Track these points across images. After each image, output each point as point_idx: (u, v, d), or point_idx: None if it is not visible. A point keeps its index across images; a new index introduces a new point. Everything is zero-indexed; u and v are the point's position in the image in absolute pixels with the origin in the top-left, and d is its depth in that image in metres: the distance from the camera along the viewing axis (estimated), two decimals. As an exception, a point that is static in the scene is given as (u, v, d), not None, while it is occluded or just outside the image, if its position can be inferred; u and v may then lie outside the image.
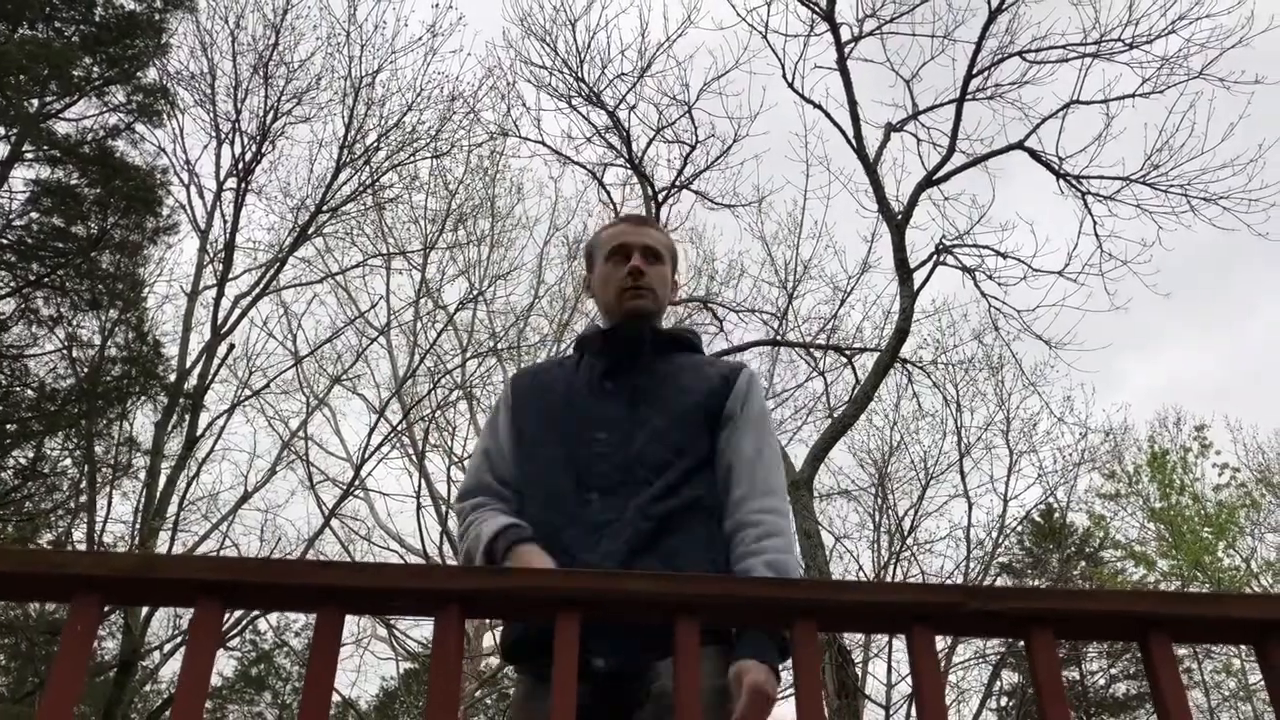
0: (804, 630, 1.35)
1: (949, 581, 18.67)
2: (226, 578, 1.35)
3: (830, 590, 1.39)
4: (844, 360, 14.05)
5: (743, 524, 2.08)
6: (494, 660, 17.26)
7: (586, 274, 2.50)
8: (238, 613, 13.32)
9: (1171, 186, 11.39)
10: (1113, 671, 28.33)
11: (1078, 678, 28.08)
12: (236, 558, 1.39)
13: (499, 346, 18.24)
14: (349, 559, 17.58)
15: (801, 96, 12.29)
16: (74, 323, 12.97)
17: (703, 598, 1.37)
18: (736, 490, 2.13)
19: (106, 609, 1.36)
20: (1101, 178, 11.70)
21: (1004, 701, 25.99)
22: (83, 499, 13.17)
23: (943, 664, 18.21)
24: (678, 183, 13.23)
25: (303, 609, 1.41)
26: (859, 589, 1.39)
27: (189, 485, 14.21)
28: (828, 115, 12.27)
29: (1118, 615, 1.37)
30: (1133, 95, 11.55)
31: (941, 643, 15.98)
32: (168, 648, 15.50)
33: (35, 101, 12.92)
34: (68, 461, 13.31)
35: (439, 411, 17.81)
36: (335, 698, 17.48)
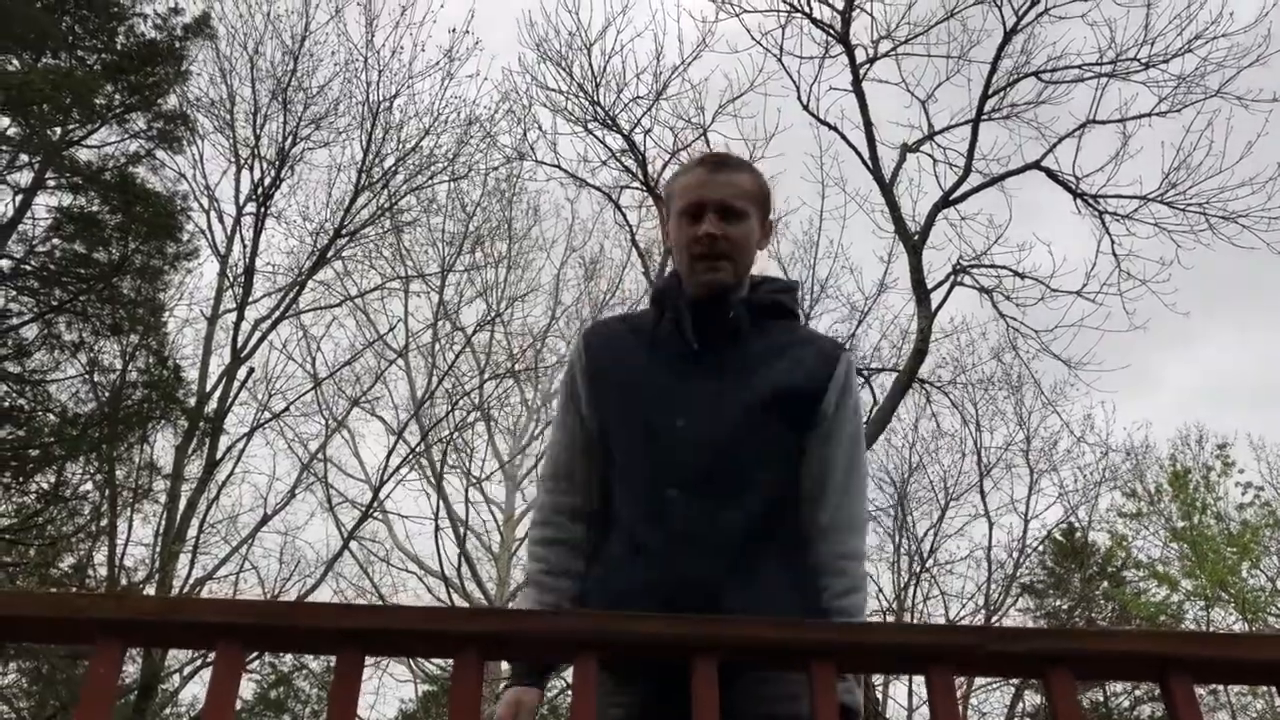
0: (822, 672, 1.35)
1: (970, 605, 18.57)
2: (248, 621, 1.36)
3: (848, 632, 1.39)
4: (862, 380, 14.01)
5: (826, 569, 1.97)
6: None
7: (665, 220, 2.20)
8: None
9: (1190, 205, 11.33)
10: (1136, 694, 28.02)
11: (1101, 699, 27.79)
12: (257, 600, 1.40)
13: (517, 368, 18.29)
14: (368, 580, 17.62)
15: (817, 119, 12.32)
16: (95, 348, 13.10)
17: (720, 638, 1.37)
18: (823, 516, 2.00)
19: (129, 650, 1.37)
20: (1119, 197, 11.67)
21: (1027, 724, 25.73)
22: (103, 523, 13.27)
23: (966, 687, 18.07)
24: (694, 205, 13.23)
25: (323, 651, 1.42)
26: (877, 630, 1.39)
27: (209, 508, 14.30)
28: (843, 137, 12.29)
29: (1137, 656, 1.36)
30: (1150, 114, 11.52)
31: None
32: (188, 670, 15.55)
33: (58, 130, 13.09)
34: (89, 486, 13.42)
35: (457, 433, 17.86)
36: (354, 721, 17.47)
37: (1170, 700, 1.35)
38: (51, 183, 12.87)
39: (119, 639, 1.34)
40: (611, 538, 2.03)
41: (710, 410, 1.95)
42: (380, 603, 15.54)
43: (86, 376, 13.09)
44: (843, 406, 2.02)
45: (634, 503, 1.98)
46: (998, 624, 18.52)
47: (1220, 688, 22.78)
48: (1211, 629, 18.78)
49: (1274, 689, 1.37)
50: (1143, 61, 11.37)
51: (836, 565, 1.96)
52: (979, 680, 20.05)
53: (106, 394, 13.17)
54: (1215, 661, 1.37)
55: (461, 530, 16.95)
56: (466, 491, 17.89)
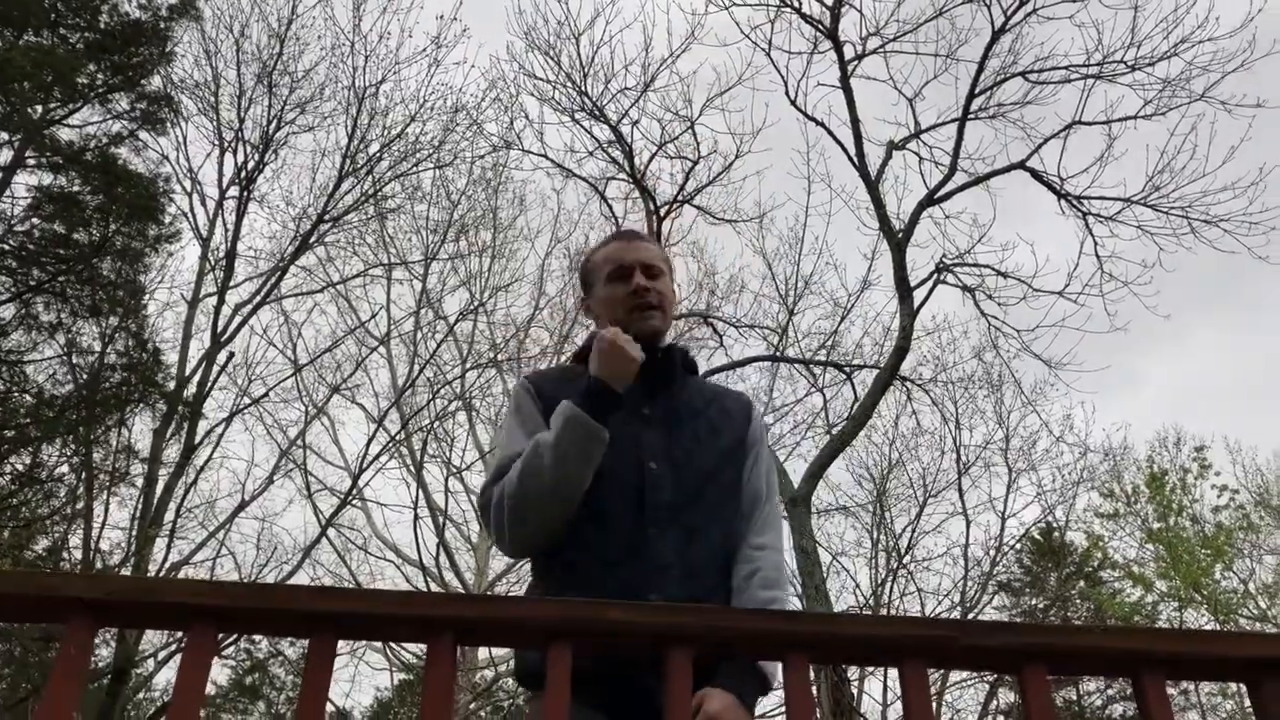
0: (796, 662, 1.35)
1: (946, 601, 18.65)
2: (221, 603, 1.35)
3: (823, 623, 1.39)
4: (843, 377, 14.05)
5: (750, 559, 2.16)
6: (489, 673, 17.23)
7: (583, 298, 2.46)
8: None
9: (1173, 208, 11.40)
10: (1109, 693, 28.24)
11: (1074, 698, 28.00)
12: (231, 582, 1.40)
13: (499, 358, 18.25)
14: (345, 568, 17.58)
15: (804, 114, 12.33)
16: (74, 329, 12.98)
17: (695, 628, 1.37)
18: (746, 525, 2.20)
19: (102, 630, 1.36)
20: (1103, 198, 11.73)
21: (1000, 721, 25.90)
22: (79, 506, 13.16)
23: (940, 684, 18.16)
24: (679, 197, 13.26)
25: (297, 634, 1.41)
26: (852, 622, 1.39)
27: (186, 493, 14.21)
28: (830, 133, 12.30)
29: (1111, 652, 1.37)
30: (1135, 117, 11.58)
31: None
32: (162, 655, 15.48)
33: (39, 108, 12.96)
34: (65, 468, 13.31)
35: (438, 422, 17.82)
36: (329, 708, 17.44)
37: (1142, 697, 1.36)
38: (31, 162, 12.74)
39: (90, 618, 1.32)
40: (573, 557, 2.08)
41: (673, 457, 2.15)
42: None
43: (64, 358, 12.97)
44: (761, 443, 2.32)
45: (611, 534, 2.07)
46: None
47: (1191, 687, 22.98)
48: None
49: (1244, 687, 1.38)
50: (1129, 64, 11.43)
51: (755, 556, 2.16)
52: (954, 676, 20.17)
53: (84, 376, 13.07)
54: (1187, 658, 1.37)
55: (440, 519, 16.93)
56: (446, 481, 17.88)
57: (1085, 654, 1.37)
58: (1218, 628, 18.50)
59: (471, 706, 17.09)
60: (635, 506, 2.08)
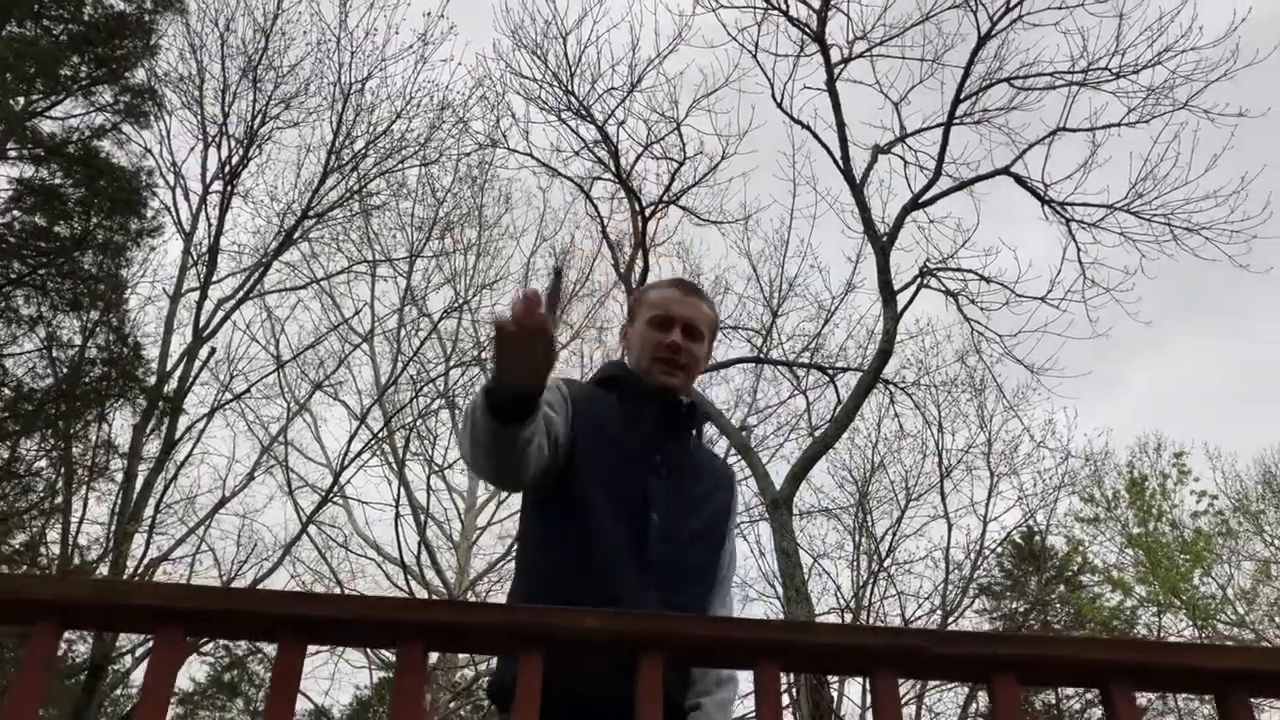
0: (767, 670, 1.35)
1: (927, 605, 18.71)
2: (189, 605, 1.34)
3: (794, 631, 1.39)
4: (827, 379, 14.09)
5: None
6: (468, 672, 17.19)
7: (626, 323, 2.48)
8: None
9: (1155, 215, 11.48)
10: (1089, 696, 28.38)
11: (1054, 700, 28.12)
12: (199, 585, 1.38)
13: (483, 356, 18.20)
14: (326, 565, 17.50)
15: (790, 117, 12.35)
16: (54, 323, 12.90)
17: (666, 636, 1.36)
18: (711, 594, 2.30)
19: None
20: (1086, 205, 11.79)
21: (979, 724, 25.98)
22: (58, 500, 13.08)
23: (920, 687, 18.20)
24: (665, 198, 13.26)
25: (265, 638, 1.40)
26: (823, 631, 1.39)
27: (166, 488, 14.11)
28: (816, 136, 12.33)
29: (1079, 662, 1.37)
30: (1119, 124, 11.64)
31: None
32: (140, 651, 15.37)
33: (21, 100, 12.86)
34: (43, 462, 13.22)
35: (421, 420, 17.76)
36: (309, 705, 17.35)
37: (1111, 708, 1.36)
38: (13, 153, 12.65)
39: (55, 622, 1.31)
40: (565, 595, 2.04)
41: (675, 514, 2.20)
42: (329, 590, 15.45)
43: (44, 351, 12.89)
44: (735, 517, 2.44)
45: (616, 564, 2.10)
46: (954, 625, 18.62)
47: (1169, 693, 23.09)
48: (1162, 635, 19.05)
49: (1213, 698, 1.38)
50: (1113, 71, 11.49)
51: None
52: (932, 680, 20.19)
53: (64, 370, 12.98)
54: (1156, 669, 1.38)
55: (422, 518, 16.88)
56: (428, 479, 17.84)
57: (1055, 664, 1.38)
58: (1196, 633, 18.62)
59: (451, 705, 17.06)
60: (634, 555, 2.11)
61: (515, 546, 2.42)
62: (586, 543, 2.09)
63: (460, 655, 16.82)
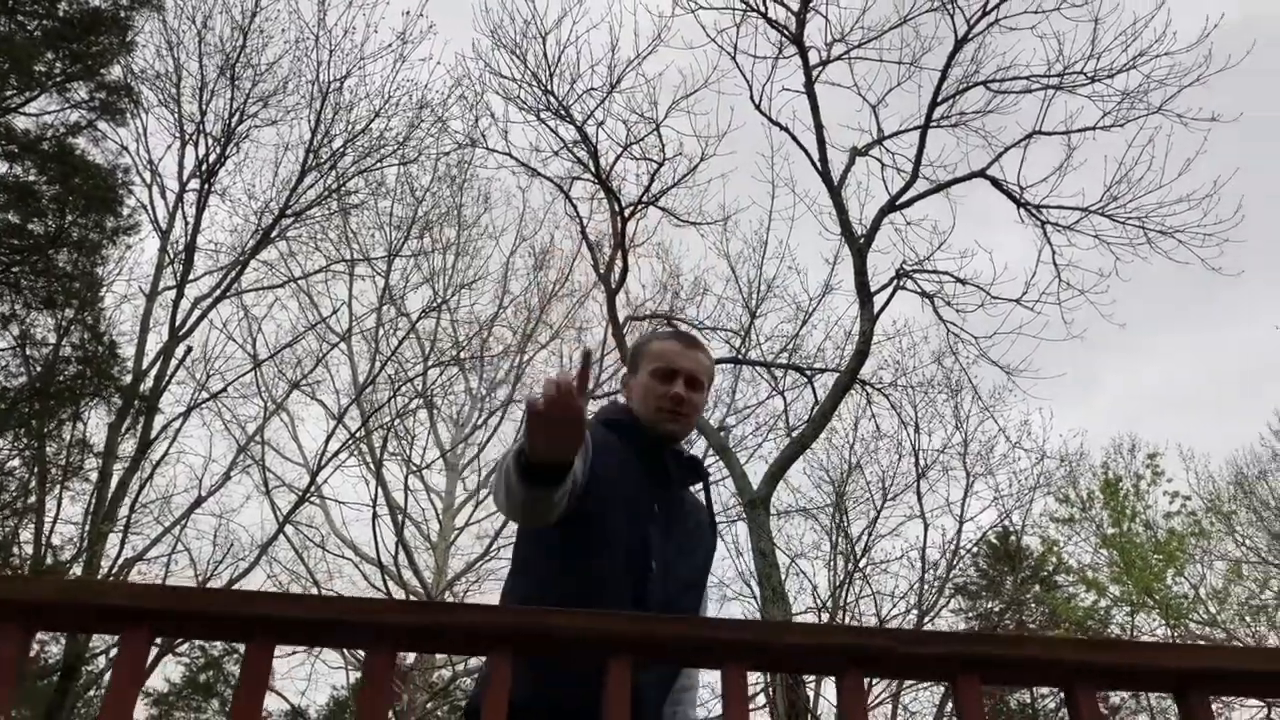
0: (734, 671, 1.36)
1: (903, 604, 18.77)
2: (155, 606, 1.33)
3: (762, 632, 1.39)
4: (804, 380, 14.12)
5: (684, 687, 2.45)
6: (446, 673, 17.13)
7: (627, 373, 2.58)
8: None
9: (1129, 219, 11.57)
10: (1061, 695, 28.51)
11: (1029, 699, 28.27)
12: (166, 586, 1.38)
13: (461, 355, 18.17)
14: (303, 565, 17.41)
15: (768, 118, 12.38)
16: (28, 321, 12.78)
17: (633, 636, 1.37)
18: None
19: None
20: (1061, 208, 11.88)
21: (955, 722, 26.06)
22: (31, 500, 12.96)
23: (896, 686, 18.27)
24: (644, 199, 13.26)
25: (234, 639, 1.40)
26: (791, 631, 1.40)
27: (141, 488, 13.98)
28: (794, 138, 12.36)
29: (1044, 662, 1.39)
30: (1094, 128, 11.73)
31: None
32: (114, 652, 15.23)
33: (-5, 95, 12.74)
34: (17, 461, 13.10)
35: (398, 419, 17.68)
36: (285, 705, 17.25)
37: (1075, 709, 1.38)
38: (-14, 150, 12.54)
39: (19, 625, 1.31)
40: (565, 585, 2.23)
41: (666, 562, 2.31)
42: (306, 591, 15.35)
43: (18, 349, 12.77)
44: (715, 550, 2.55)
45: (598, 605, 2.17)
46: (930, 625, 18.69)
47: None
48: (1135, 635, 19.19)
49: (1172, 697, 1.40)
50: (1089, 75, 11.57)
51: (684, 682, 2.43)
52: (901, 680, 20.26)
53: (38, 368, 12.87)
54: (1119, 669, 1.39)
55: (400, 518, 16.81)
56: (406, 479, 17.75)
57: (1018, 664, 1.39)
58: (1168, 633, 18.77)
59: (429, 705, 17.00)
60: (634, 603, 2.20)
61: (509, 571, 2.46)
62: (588, 579, 2.21)
63: (438, 656, 16.78)
